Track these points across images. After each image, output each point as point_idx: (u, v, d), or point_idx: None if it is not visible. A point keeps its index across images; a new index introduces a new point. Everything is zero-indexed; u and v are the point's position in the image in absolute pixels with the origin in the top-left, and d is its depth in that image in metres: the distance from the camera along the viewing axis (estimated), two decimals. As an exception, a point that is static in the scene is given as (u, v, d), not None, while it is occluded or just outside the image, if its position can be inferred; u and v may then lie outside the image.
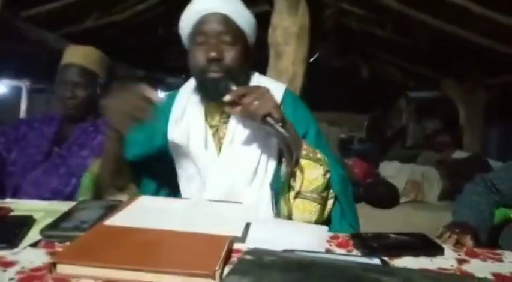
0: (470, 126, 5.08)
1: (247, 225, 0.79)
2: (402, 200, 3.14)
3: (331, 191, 1.02)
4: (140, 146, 1.10)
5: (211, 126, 1.10)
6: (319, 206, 0.97)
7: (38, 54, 4.25)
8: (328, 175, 0.99)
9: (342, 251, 0.75)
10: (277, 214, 1.00)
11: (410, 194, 3.17)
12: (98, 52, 1.64)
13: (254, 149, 1.05)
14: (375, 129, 6.21)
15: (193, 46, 1.05)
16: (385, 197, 3.07)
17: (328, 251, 0.74)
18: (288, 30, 2.90)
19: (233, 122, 1.07)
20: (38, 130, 1.60)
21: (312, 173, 0.96)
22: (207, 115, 1.10)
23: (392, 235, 0.81)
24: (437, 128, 4.41)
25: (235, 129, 1.06)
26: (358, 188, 3.19)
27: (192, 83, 1.14)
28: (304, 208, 0.96)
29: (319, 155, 1.00)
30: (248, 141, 1.05)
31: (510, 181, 1.42)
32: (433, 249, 0.76)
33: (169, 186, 1.16)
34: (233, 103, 0.95)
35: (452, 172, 3.32)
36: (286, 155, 0.95)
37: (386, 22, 4.36)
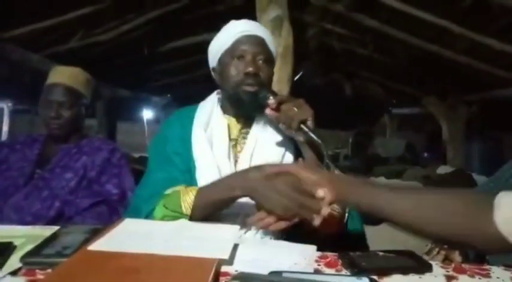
0: (453, 141, 5.19)
1: (235, 247, 0.78)
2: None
3: None
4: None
5: (230, 140, 1.15)
6: (338, 217, 1.02)
7: (20, 75, 4.21)
8: None
9: (331, 271, 0.75)
10: None
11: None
12: (84, 73, 1.64)
13: (271, 160, 1.09)
14: (360, 146, 6.27)
15: (229, 62, 1.12)
16: (372, 213, 3.08)
17: (316, 271, 0.73)
18: (273, 50, 2.94)
19: (251, 138, 1.13)
20: (19, 153, 1.57)
21: None
22: (228, 129, 1.16)
23: (380, 253, 0.81)
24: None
25: (254, 144, 1.12)
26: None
27: (213, 97, 1.22)
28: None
29: (336, 171, 1.08)
30: (265, 156, 1.10)
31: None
32: (421, 266, 0.76)
33: None
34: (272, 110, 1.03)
35: (438, 187, 3.36)
36: (311, 161, 1.03)
37: (367, 41, 4.46)
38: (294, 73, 3.40)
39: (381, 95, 6.35)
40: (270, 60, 1.15)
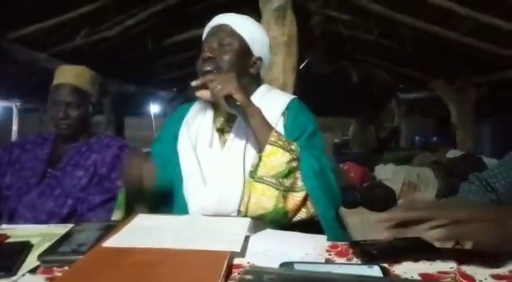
0: (462, 124, 5.13)
1: (246, 239, 0.80)
2: (399, 202, 3.15)
3: (301, 184, 1.03)
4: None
5: (217, 129, 1.19)
6: (277, 192, 0.99)
7: (28, 74, 4.24)
8: (294, 163, 1.02)
9: (342, 260, 0.75)
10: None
11: (407, 196, 3.18)
12: (89, 71, 1.65)
13: (253, 147, 1.10)
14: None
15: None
16: (382, 200, 3.08)
17: (328, 261, 0.74)
18: (277, 40, 2.92)
19: (236, 124, 1.14)
20: (31, 152, 1.59)
21: (276, 160, 1.01)
22: (215, 119, 1.20)
23: (390, 241, 0.81)
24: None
25: (238, 130, 1.13)
26: (356, 193, 3.20)
27: None
28: (263, 192, 1.00)
29: (293, 147, 1.04)
30: (248, 140, 1.11)
31: (504, 179, 1.43)
32: (431, 252, 0.77)
33: None
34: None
35: (447, 172, 3.35)
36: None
37: (372, 27, 4.41)
38: (300, 62, 3.38)
39: (388, 81, 6.29)
40: (235, 41, 1.15)
